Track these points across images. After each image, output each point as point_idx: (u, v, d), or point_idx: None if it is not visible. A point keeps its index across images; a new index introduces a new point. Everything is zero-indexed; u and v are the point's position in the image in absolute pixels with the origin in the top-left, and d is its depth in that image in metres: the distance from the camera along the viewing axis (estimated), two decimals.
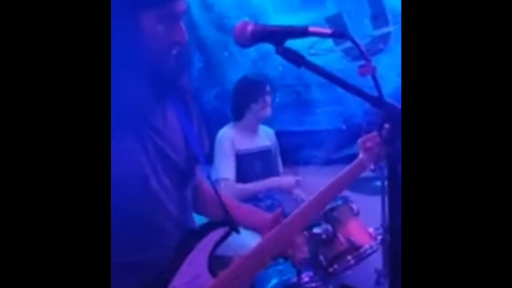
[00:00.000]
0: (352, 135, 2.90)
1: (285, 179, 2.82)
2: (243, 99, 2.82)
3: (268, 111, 2.83)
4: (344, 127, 3.15)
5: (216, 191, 1.34)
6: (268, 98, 2.82)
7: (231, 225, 1.28)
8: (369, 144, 1.38)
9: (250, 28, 1.02)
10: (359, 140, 1.43)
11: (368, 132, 1.48)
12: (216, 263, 1.25)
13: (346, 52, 3.06)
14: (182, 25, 1.13)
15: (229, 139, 2.77)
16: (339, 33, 1.00)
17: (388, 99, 0.95)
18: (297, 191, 2.82)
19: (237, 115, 2.87)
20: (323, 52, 3.00)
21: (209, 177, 1.38)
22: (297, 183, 2.75)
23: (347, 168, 1.41)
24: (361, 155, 1.41)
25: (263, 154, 2.88)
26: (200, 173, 1.38)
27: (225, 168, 2.69)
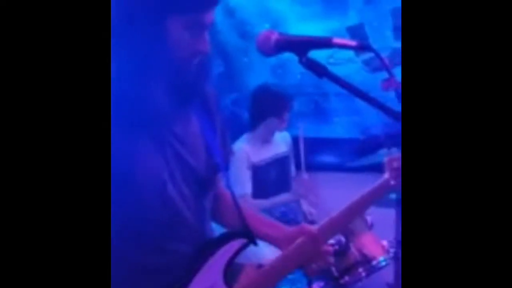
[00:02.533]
0: (369, 145, 2.90)
1: (296, 185, 2.79)
2: (261, 111, 2.78)
3: (284, 126, 2.82)
4: (361, 137, 3.13)
5: (236, 203, 1.33)
6: (287, 115, 2.78)
7: (249, 236, 1.27)
8: (395, 165, 1.37)
9: (274, 37, 1.02)
10: (385, 160, 1.41)
11: (385, 144, 1.46)
12: (231, 272, 1.24)
13: (366, 62, 3.05)
14: (207, 36, 1.13)
15: (245, 152, 2.75)
16: (364, 46, 1.00)
17: None
18: (305, 205, 2.81)
19: (253, 125, 2.84)
20: (343, 61, 2.99)
21: (229, 187, 1.36)
22: (310, 190, 2.71)
23: (373, 186, 1.40)
24: (386, 175, 1.40)
25: (279, 161, 2.87)
26: (220, 182, 1.37)
27: (241, 184, 2.68)
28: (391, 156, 1.40)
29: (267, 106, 2.73)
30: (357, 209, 1.39)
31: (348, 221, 1.41)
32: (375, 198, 1.39)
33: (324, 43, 0.99)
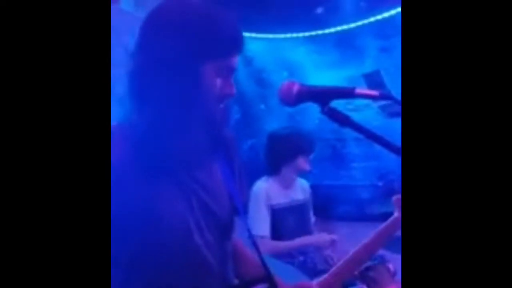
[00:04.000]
0: (387, 191, 2.88)
1: (320, 237, 2.76)
2: (285, 152, 2.77)
3: (308, 168, 2.81)
4: (380, 183, 3.12)
5: (256, 247, 1.32)
6: (311, 156, 2.78)
7: (271, 282, 1.25)
8: None
9: (296, 88, 1.03)
10: (394, 198, 1.40)
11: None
12: None
13: (383, 108, 3.08)
14: (232, 80, 1.16)
15: (264, 193, 2.74)
16: (385, 96, 1.01)
17: None
18: (327, 250, 2.77)
19: (273, 169, 2.84)
20: (361, 108, 3.02)
21: (249, 230, 1.36)
22: (332, 242, 2.70)
23: (383, 226, 1.39)
24: (396, 214, 1.39)
25: (297, 208, 2.84)
26: (237, 227, 1.37)
27: (260, 225, 2.66)
28: (399, 195, 1.39)
29: (291, 146, 2.72)
30: (367, 251, 1.37)
31: (359, 264, 1.38)
32: (385, 238, 1.37)
33: (347, 93, 1.00)
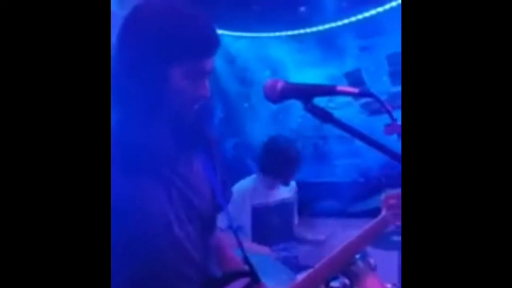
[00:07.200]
0: (369, 188, 2.92)
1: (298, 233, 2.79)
2: (272, 166, 2.78)
3: (289, 183, 2.85)
4: (361, 180, 3.16)
5: (239, 242, 1.35)
6: (299, 166, 2.82)
7: (253, 276, 1.28)
8: (392, 202, 1.39)
9: (280, 85, 1.07)
10: (382, 197, 1.44)
11: (387, 187, 1.49)
12: None
13: (364, 106, 3.13)
14: (207, 83, 1.18)
15: (247, 192, 2.76)
16: (365, 93, 1.05)
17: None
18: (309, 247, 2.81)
19: (265, 171, 2.83)
20: (342, 105, 3.06)
21: (231, 227, 1.39)
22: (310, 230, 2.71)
23: (370, 224, 1.42)
24: (383, 212, 1.42)
25: (282, 207, 2.88)
26: (221, 223, 1.39)
27: (241, 223, 2.69)
28: (388, 194, 1.42)
29: (278, 166, 2.74)
30: (356, 248, 1.41)
31: (347, 260, 1.42)
32: (373, 236, 1.41)
33: (328, 90, 1.03)
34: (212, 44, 1.14)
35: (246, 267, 1.31)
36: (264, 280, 1.34)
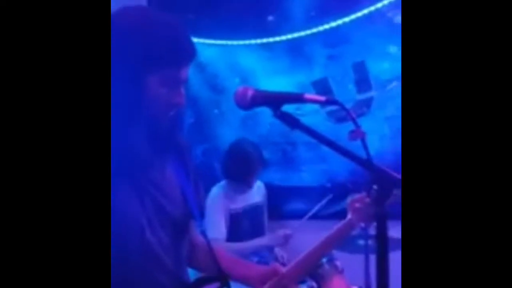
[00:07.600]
0: (337, 192, 2.99)
1: (273, 235, 2.84)
2: (236, 167, 2.83)
3: (252, 184, 2.91)
4: (328, 184, 3.24)
5: (210, 247, 1.37)
6: (258, 166, 2.87)
7: (223, 280, 1.31)
8: (357, 205, 1.45)
9: (250, 93, 1.11)
10: (348, 201, 1.49)
11: (353, 191, 1.55)
12: None
13: (330, 114, 3.21)
14: (183, 90, 1.21)
15: (222, 197, 2.80)
16: (332, 101, 1.10)
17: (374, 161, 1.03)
18: (277, 248, 2.85)
19: (228, 177, 2.88)
20: (309, 113, 3.13)
21: (203, 233, 1.41)
22: (286, 237, 2.77)
23: (336, 227, 1.47)
24: (349, 216, 1.47)
25: (253, 211, 2.92)
26: (194, 228, 1.41)
27: (215, 228, 2.71)
28: (353, 198, 1.47)
29: (237, 169, 2.80)
30: (323, 250, 1.46)
31: (315, 262, 1.46)
32: (340, 238, 1.46)
33: (296, 98, 1.08)
34: (188, 53, 1.17)
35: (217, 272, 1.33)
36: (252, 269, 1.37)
